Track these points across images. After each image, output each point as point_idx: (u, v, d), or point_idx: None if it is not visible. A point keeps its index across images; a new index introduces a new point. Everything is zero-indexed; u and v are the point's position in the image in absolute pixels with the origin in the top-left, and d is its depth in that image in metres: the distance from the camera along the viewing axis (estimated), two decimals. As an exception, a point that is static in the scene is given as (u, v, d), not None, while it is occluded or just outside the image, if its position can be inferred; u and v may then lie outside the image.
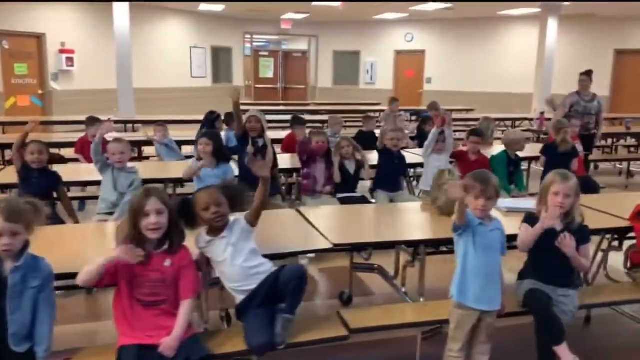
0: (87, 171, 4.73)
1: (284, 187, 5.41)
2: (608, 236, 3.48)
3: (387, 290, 3.80)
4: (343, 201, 4.54)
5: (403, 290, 3.51)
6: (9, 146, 4.04)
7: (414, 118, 9.75)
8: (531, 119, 10.40)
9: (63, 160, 5.68)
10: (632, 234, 3.30)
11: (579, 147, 5.72)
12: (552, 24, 12.63)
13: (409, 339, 2.90)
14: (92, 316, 3.64)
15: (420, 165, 5.38)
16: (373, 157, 5.04)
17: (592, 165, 8.25)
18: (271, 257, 2.68)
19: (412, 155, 5.72)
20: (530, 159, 6.34)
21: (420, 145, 6.57)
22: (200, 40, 15.30)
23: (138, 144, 6.72)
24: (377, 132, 6.74)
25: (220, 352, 2.32)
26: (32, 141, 4.02)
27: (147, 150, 6.77)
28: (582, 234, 2.81)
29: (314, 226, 3.12)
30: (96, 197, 4.30)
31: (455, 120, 8.94)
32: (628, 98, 13.91)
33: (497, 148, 5.55)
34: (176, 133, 6.78)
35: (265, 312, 2.46)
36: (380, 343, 3.15)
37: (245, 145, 4.62)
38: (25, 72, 11.19)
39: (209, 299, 2.81)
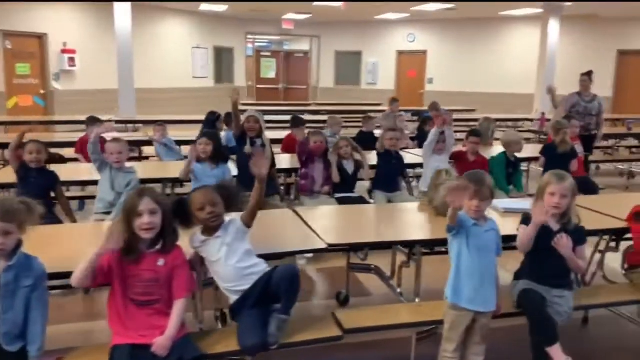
0: (86, 171, 4.74)
1: (282, 187, 5.41)
2: (606, 237, 3.48)
3: (385, 291, 3.80)
4: (341, 201, 4.54)
5: (398, 290, 3.50)
6: (20, 145, 4.04)
7: (415, 118, 9.73)
8: (532, 120, 10.37)
9: (63, 160, 5.68)
10: (629, 235, 3.29)
11: (579, 148, 5.71)
12: (554, 24, 12.60)
13: (404, 339, 2.90)
14: (89, 315, 3.65)
15: (420, 165, 5.37)
16: (373, 157, 5.04)
17: (593, 166, 8.23)
18: (267, 257, 2.68)
19: (412, 156, 5.72)
20: (530, 160, 6.31)
21: (421, 146, 6.57)
22: (202, 40, 15.31)
23: (138, 144, 6.75)
24: (377, 132, 6.73)
25: (213, 352, 2.32)
26: (31, 141, 4.02)
27: (148, 150, 6.79)
28: (579, 235, 2.81)
29: (309, 226, 3.11)
30: (95, 197, 4.31)
31: (456, 120, 8.96)
32: (631, 99, 13.88)
33: (498, 149, 5.53)
34: (176, 133, 6.78)
35: (259, 313, 2.45)
36: (376, 344, 3.15)
37: (243, 145, 4.63)
38: (27, 72, 11.22)
39: (204, 299, 2.81)
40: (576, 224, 2.83)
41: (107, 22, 11.03)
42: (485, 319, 2.61)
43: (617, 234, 3.40)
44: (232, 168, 4.59)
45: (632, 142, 9.52)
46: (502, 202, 3.79)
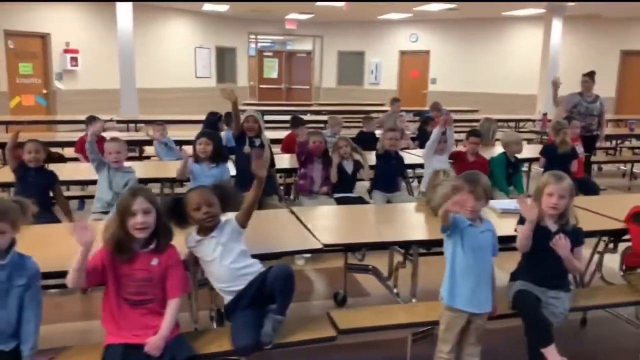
0: (86, 170, 4.73)
1: (282, 187, 5.41)
2: (604, 238, 3.46)
3: (383, 291, 3.78)
4: (339, 201, 4.53)
5: (395, 291, 3.49)
6: (19, 144, 4.05)
7: (416, 118, 9.72)
8: (534, 120, 10.34)
9: (62, 159, 5.70)
10: (627, 236, 3.27)
11: (580, 149, 5.68)
12: (557, 24, 12.57)
13: (400, 340, 2.89)
14: (87, 315, 3.65)
15: (420, 166, 5.36)
16: (373, 157, 5.03)
17: (595, 166, 8.20)
18: (263, 257, 2.68)
19: (412, 156, 5.70)
20: (530, 161, 6.30)
21: (422, 146, 6.56)
22: (205, 40, 15.33)
23: (139, 144, 6.76)
24: (378, 132, 6.72)
25: (207, 352, 2.32)
26: (29, 140, 4.03)
27: (149, 150, 6.79)
28: (576, 236, 2.80)
29: (305, 226, 3.11)
30: (95, 197, 4.32)
31: (459, 121, 8.95)
32: (634, 99, 13.83)
33: (499, 149, 5.51)
34: (176, 133, 6.78)
35: (253, 313, 2.45)
36: (372, 344, 3.15)
37: (243, 145, 4.63)
38: (30, 71, 11.26)
39: (200, 299, 2.81)
40: (574, 224, 2.82)
41: (110, 22, 11.05)
42: (480, 320, 2.60)
43: (616, 235, 3.38)
44: (231, 168, 4.59)
45: (635, 142, 9.48)
46: (500, 202, 3.78)
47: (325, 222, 3.44)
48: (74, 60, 11.77)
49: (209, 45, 15.48)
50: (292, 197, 5.40)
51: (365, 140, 6.07)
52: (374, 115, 8.92)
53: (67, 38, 11.69)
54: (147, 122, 8.52)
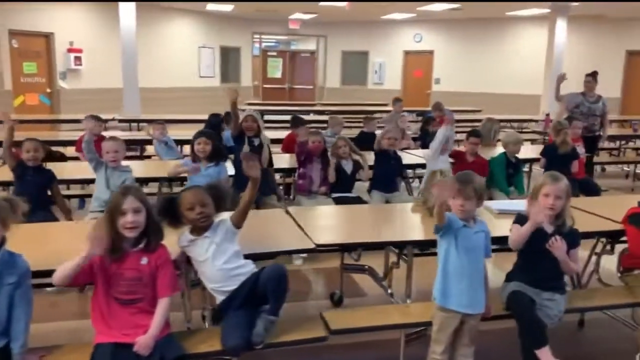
0: (87, 169, 4.73)
1: (281, 187, 5.41)
2: (602, 239, 3.44)
3: (379, 292, 3.77)
4: (338, 201, 4.52)
5: (389, 291, 3.48)
6: (17, 143, 4.06)
7: (419, 118, 9.70)
8: (537, 121, 10.29)
9: (63, 157, 5.73)
10: (625, 238, 3.24)
11: (581, 149, 5.65)
12: (561, 24, 12.51)
13: (394, 340, 2.88)
14: (83, 314, 3.61)
15: (421, 166, 5.35)
16: (373, 158, 5.01)
17: (599, 167, 8.15)
18: (257, 256, 2.68)
19: (412, 156, 5.68)
20: (531, 161, 6.27)
21: (423, 146, 6.55)
22: (209, 40, 15.35)
23: (140, 143, 6.77)
24: (378, 132, 6.70)
25: (197, 352, 2.32)
26: (28, 139, 4.04)
27: (150, 149, 6.80)
28: (572, 238, 2.78)
29: (299, 226, 3.10)
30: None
31: (463, 121, 8.93)
32: (639, 100, 13.73)
33: (501, 149, 5.49)
34: (178, 132, 6.79)
35: (245, 313, 2.44)
36: (365, 344, 3.14)
37: (242, 144, 4.62)
38: (34, 70, 11.31)
39: (193, 299, 2.81)
40: (570, 226, 2.80)
41: (114, 22, 11.07)
42: (473, 321, 2.59)
43: (613, 237, 3.36)
44: (230, 168, 4.58)
45: (639, 143, 9.42)
46: (497, 203, 3.76)
47: (321, 222, 3.43)
48: (78, 59, 11.82)
49: (212, 44, 15.50)
50: (292, 197, 5.39)
51: (366, 141, 6.04)
52: (377, 115, 8.91)
53: (71, 37, 11.74)
54: (149, 122, 8.54)
